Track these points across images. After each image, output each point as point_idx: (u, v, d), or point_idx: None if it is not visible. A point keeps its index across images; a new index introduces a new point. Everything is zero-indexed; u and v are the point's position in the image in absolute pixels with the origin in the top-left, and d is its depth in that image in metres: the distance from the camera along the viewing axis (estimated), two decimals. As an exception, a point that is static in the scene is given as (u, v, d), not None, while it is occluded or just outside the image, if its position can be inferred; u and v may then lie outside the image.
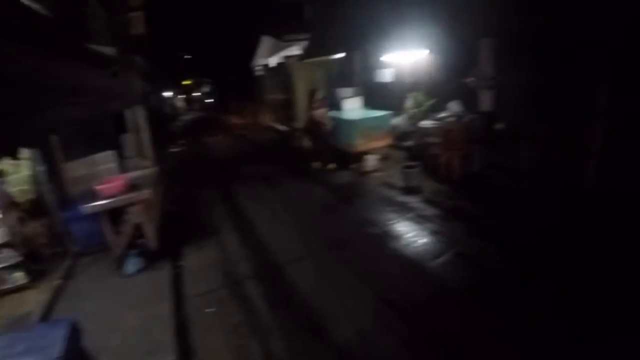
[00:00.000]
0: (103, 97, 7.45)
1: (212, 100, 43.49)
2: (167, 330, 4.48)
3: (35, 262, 6.67)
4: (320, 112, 9.49)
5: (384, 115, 9.05)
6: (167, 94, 33.49)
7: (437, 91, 8.81)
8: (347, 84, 11.37)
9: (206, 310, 4.95)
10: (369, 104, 10.28)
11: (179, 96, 48.44)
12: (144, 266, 6.25)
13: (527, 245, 5.29)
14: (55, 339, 2.73)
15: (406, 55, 8.87)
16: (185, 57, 39.29)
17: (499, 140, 7.29)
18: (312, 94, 9.74)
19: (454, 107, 8.07)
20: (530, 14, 5.62)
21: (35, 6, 6.96)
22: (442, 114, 8.09)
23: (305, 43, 13.71)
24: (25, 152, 7.08)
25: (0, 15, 3.45)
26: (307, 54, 12.52)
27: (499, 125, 7.27)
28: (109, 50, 8.97)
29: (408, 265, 5.04)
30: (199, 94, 51.33)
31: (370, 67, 11.10)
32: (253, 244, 6.58)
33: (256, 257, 6.13)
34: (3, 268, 6.38)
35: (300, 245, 6.16)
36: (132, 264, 6.22)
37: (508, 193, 6.92)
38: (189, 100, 52.12)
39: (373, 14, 8.92)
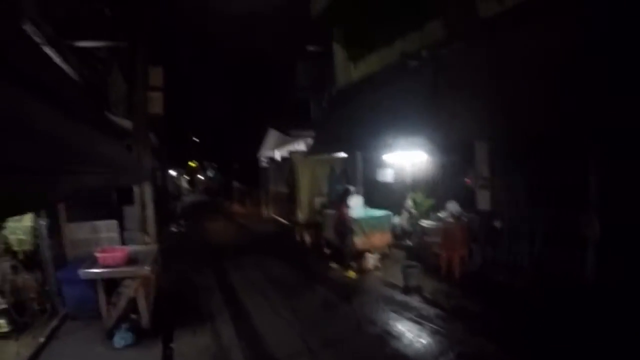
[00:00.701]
0: (117, 169, 7.57)
1: (215, 184, 44.01)
2: None
3: (20, 314, 6.47)
4: (347, 212, 9.50)
5: (384, 214, 9.16)
6: (173, 172, 34.03)
7: (436, 191, 9.03)
8: (349, 182, 11.63)
9: None
10: (370, 202, 10.42)
11: (184, 176, 49.17)
12: (133, 342, 5.99)
13: (528, 344, 5.20)
14: None
15: (406, 156, 9.18)
16: (194, 139, 40.44)
17: (498, 238, 7.41)
18: (344, 194, 9.68)
19: (453, 207, 8.22)
20: (519, 117, 5.91)
21: (66, 68, 7.36)
22: (441, 214, 8.24)
23: (310, 139, 14.18)
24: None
25: (34, 75, 3.63)
26: (312, 150, 12.88)
27: (497, 224, 7.43)
28: (125, 123, 9.27)
29: None
30: (203, 177, 52.13)
31: (371, 167, 11.41)
32: (249, 334, 6.35)
33: (250, 349, 5.88)
34: None
35: (297, 341, 5.95)
36: (121, 338, 5.97)
37: (508, 290, 6.88)
38: (193, 182, 52.82)
39: (374, 116, 9.32)
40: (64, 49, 7.43)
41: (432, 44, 8.24)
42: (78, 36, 8.58)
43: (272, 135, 17.51)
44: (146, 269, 6.26)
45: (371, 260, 8.64)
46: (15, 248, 6.92)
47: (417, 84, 8.23)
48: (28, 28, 6.05)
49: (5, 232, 6.92)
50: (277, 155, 18.17)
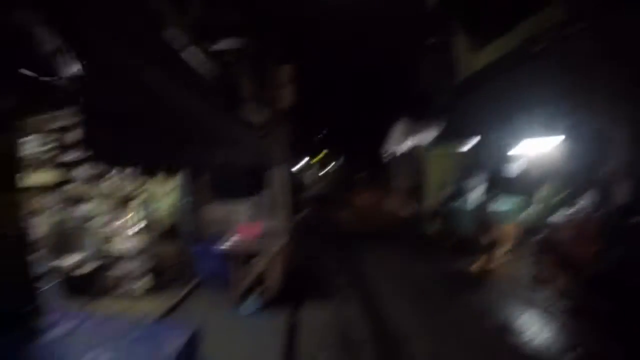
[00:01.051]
0: (255, 153, 8.69)
1: (341, 177, 45.09)
2: None
3: (158, 280, 7.48)
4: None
5: (513, 207, 8.94)
6: (300, 163, 35.63)
7: (569, 184, 8.58)
8: (477, 173, 11.45)
9: None
10: (499, 195, 10.22)
11: (311, 169, 51.10)
12: (261, 311, 6.56)
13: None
14: (169, 339, 2.78)
15: (537, 146, 8.82)
16: (322, 132, 41.77)
17: (636, 236, 6.87)
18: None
19: (587, 200, 7.80)
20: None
21: (203, 70, 8.33)
22: (574, 208, 7.81)
23: (436, 131, 14.18)
24: (175, 183, 8.17)
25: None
26: (437, 141, 12.82)
27: (636, 219, 6.88)
28: (257, 117, 10.23)
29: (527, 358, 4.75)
30: (328, 169, 53.54)
31: (501, 158, 11.08)
32: (371, 313, 6.62)
33: (374, 325, 6.16)
34: (129, 275, 7.36)
35: (419, 323, 6.07)
36: (250, 306, 6.57)
37: (643, 293, 6.33)
38: (319, 174, 54.65)
39: (501, 104, 9.03)
40: (199, 52, 8.19)
41: (556, 26, 7.92)
42: (212, 39, 9.32)
43: (399, 127, 17.64)
44: (278, 245, 6.92)
45: (498, 253, 8.51)
46: (159, 222, 8.00)
47: (543, 70, 7.96)
48: (168, 35, 6.69)
49: (152, 208, 7.98)
50: (403, 147, 18.35)
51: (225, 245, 7.00)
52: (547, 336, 5.26)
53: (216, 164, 7.07)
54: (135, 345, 2.73)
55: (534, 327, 5.58)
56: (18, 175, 3.51)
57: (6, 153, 3.39)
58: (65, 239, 7.00)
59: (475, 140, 11.12)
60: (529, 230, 8.90)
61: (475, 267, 8.57)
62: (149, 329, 3.49)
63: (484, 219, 8.69)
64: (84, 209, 7.93)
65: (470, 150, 12.27)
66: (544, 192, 8.56)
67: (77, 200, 8.41)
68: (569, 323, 5.66)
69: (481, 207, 9.13)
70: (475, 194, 9.94)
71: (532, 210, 8.93)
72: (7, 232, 3.30)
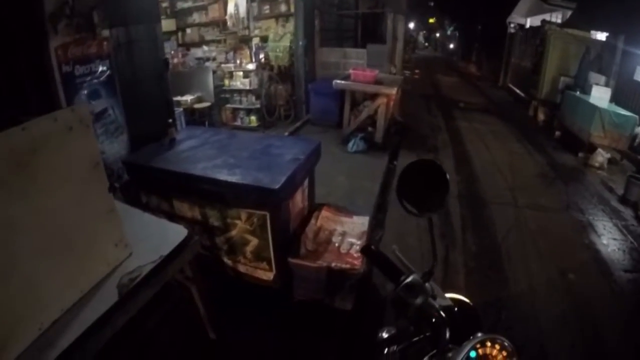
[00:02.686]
0: None
1: (453, 45, 42.75)
2: (368, 200, 4.89)
3: (270, 115, 8.03)
4: None
5: (629, 117, 7.97)
6: (411, 25, 34.07)
7: None
8: (602, 70, 10.32)
9: None
10: (618, 100, 9.22)
11: (421, 32, 48.73)
12: (365, 151, 7.01)
13: None
14: (304, 147, 3.13)
15: None
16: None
17: None
18: None
19: None
20: None
21: None
22: None
23: (568, 12, 12.68)
24: (290, 27, 8.33)
25: None
26: (568, 23, 11.48)
27: None
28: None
29: (597, 261, 4.58)
30: (439, 35, 50.86)
31: (631, 61, 9.73)
32: (465, 173, 6.78)
33: (465, 185, 6.32)
34: (244, 109, 8.04)
35: (506, 194, 6.15)
36: (356, 145, 7.01)
37: None
38: (429, 39, 52.20)
39: None
40: None
41: None
42: None
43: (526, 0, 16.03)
44: (392, 90, 6.98)
45: (600, 157, 7.95)
46: (273, 63, 8.31)
47: None
48: None
49: (267, 49, 8.29)
50: (528, 22, 16.76)
51: (339, 84, 7.25)
52: (620, 249, 5.03)
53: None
54: (270, 148, 3.15)
55: (610, 236, 5.34)
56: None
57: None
58: (185, 78, 7.54)
59: (612, 29, 9.89)
60: (637, 147, 8.15)
61: (577, 160, 8.16)
62: (283, 139, 4.10)
63: (597, 116, 8.02)
64: (202, 50, 8.46)
65: (599, 43, 10.99)
66: None
67: (194, 44, 8.98)
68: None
69: (600, 104, 8.35)
70: (596, 92, 9.09)
71: None
72: (153, 59, 3.75)
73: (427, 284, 1.18)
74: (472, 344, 0.94)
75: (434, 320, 1.08)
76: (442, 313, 1.08)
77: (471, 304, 1.36)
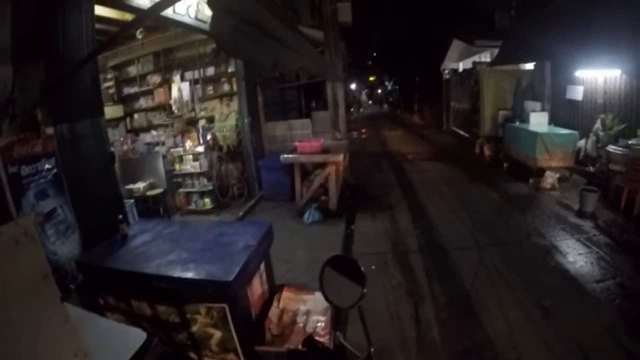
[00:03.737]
0: (319, 64, 8.85)
1: (393, 98, 44.66)
2: None
3: (223, 196, 8.03)
4: None
5: (569, 134, 8.50)
6: (353, 86, 35.55)
7: (629, 116, 8.13)
8: (535, 97, 11.08)
9: (371, 267, 5.28)
10: (556, 120, 9.81)
11: (363, 90, 50.95)
12: (321, 220, 7.05)
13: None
14: (256, 232, 3.10)
15: (599, 73, 8.40)
16: (374, 54, 41.12)
17: None
18: None
19: None
20: None
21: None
22: (632, 141, 7.42)
23: (495, 50, 13.64)
24: (234, 106, 8.52)
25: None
26: (497, 60, 12.32)
27: None
28: (316, 34, 10.25)
29: (568, 280, 4.75)
30: (380, 91, 53.23)
31: (560, 82, 10.50)
32: (423, 225, 6.86)
33: (424, 236, 6.39)
34: (197, 192, 8.01)
35: (467, 237, 6.24)
36: (311, 216, 7.05)
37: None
38: (371, 96, 54.59)
39: (566, 26, 8.51)
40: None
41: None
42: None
43: (456, 46, 16.96)
44: (339, 157, 7.19)
45: (550, 179, 8.33)
46: (221, 143, 8.38)
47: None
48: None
49: (214, 129, 8.39)
50: (461, 66, 17.87)
51: (287, 158, 7.42)
52: (586, 264, 5.19)
53: (300, 63, 7.34)
54: (222, 236, 3.11)
55: (575, 252, 5.52)
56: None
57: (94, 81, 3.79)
58: (135, 165, 7.51)
59: (538, 59, 10.70)
60: (583, 159, 8.67)
61: (529, 187, 8.52)
62: (231, 225, 4.06)
63: (539, 141, 8.50)
64: (151, 135, 8.49)
65: (528, 73, 11.85)
66: (603, 121, 8.18)
67: (143, 129, 9.02)
68: (610, 255, 5.38)
69: (539, 130, 8.88)
70: (534, 118, 9.70)
71: (588, 140, 8.62)
72: (99, 153, 3.73)
73: None
74: None
75: None
76: None
77: None
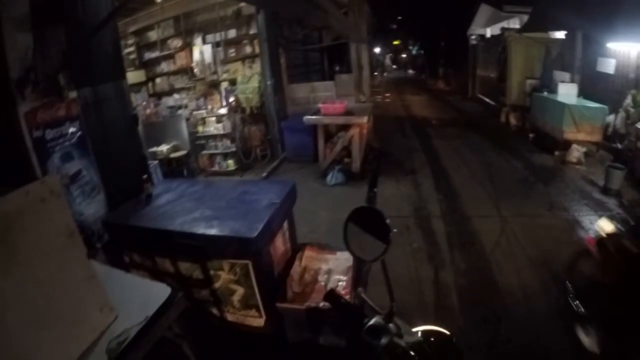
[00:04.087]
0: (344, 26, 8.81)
1: (418, 63, 43.75)
2: None
3: (246, 158, 8.13)
4: None
5: (599, 108, 8.16)
6: (377, 50, 34.92)
7: None
8: (565, 67, 10.66)
9: (393, 230, 5.48)
10: (585, 93, 9.44)
11: (387, 54, 49.93)
12: (344, 182, 7.09)
13: None
14: (279, 190, 3.10)
15: (632, 47, 7.82)
16: (398, 17, 40.11)
17: None
18: None
19: None
20: None
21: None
22: None
23: (525, 17, 13.11)
24: (257, 68, 8.47)
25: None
26: (526, 27, 11.82)
27: None
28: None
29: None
30: (404, 55, 52.12)
31: (591, 53, 10.03)
32: (445, 191, 6.85)
33: (446, 202, 6.38)
34: (220, 154, 8.14)
35: (489, 205, 6.21)
36: (334, 177, 7.10)
37: None
38: (395, 60, 53.49)
39: None
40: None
41: None
42: None
43: (484, 11, 16.41)
44: (363, 119, 7.12)
45: (576, 152, 8.11)
46: (244, 105, 8.41)
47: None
48: None
49: (237, 92, 8.39)
50: (489, 32, 17.30)
51: (310, 120, 7.39)
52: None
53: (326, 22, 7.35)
54: (246, 195, 3.13)
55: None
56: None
57: (115, 45, 3.79)
58: (158, 128, 7.58)
59: (569, 28, 10.24)
60: (611, 135, 8.34)
61: (554, 159, 8.29)
62: (255, 184, 4.12)
63: (567, 113, 8.21)
64: (173, 99, 8.53)
65: (558, 42, 11.37)
66: (634, 97, 7.82)
67: (165, 93, 9.07)
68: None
69: (568, 101, 8.55)
70: (562, 89, 9.36)
71: (618, 116, 8.28)
72: (122, 115, 3.77)
73: (390, 325, 1.20)
74: None
75: (401, 358, 1.09)
76: (410, 351, 1.10)
77: (448, 333, 1.38)
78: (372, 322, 1.20)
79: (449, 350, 1.33)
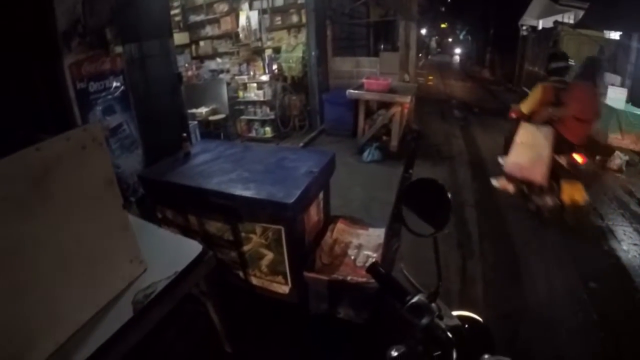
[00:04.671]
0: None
1: (464, 48, 42.66)
2: (384, 211, 4.87)
3: (284, 126, 8.12)
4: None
5: None
6: (423, 31, 34.16)
7: None
8: (617, 70, 10.09)
9: None
10: (635, 100, 8.94)
11: (434, 37, 48.79)
12: (380, 160, 6.95)
13: None
14: (319, 160, 3.08)
15: None
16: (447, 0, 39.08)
17: None
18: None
19: None
20: None
21: None
22: None
23: (581, 12, 12.48)
24: (302, 38, 8.39)
25: None
26: (581, 23, 11.24)
27: None
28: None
29: (618, 267, 4.46)
30: (451, 40, 50.88)
31: None
32: (481, 180, 6.61)
33: (481, 192, 6.25)
34: (258, 121, 8.14)
35: (523, 200, 5.76)
36: (371, 154, 6.97)
37: None
38: (441, 44, 52.27)
39: None
40: None
41: None
42: None
43: (538, 1, 15.82)
44: (406, 99, 6.96)
45: (618, 160, 7.69)
46: (286, 73, 8.37)
47: None
48: None
49: (280, 60, 8.35)
50: (541, 24, 16.62)
51: (353, 94, 7.27)
52: (636, 254, 4.82)
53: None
54: (285, 161, 3.13)
55: (630, 240, 5.12)
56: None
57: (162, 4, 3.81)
58: (199, 91, 7.63)
59: (626, 28, 9.71)
60: None
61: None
62: (295, 151, 4.10)
63: (613, 117, 7.80)
64: (216, 63, 8.55)
65: (613, 43, 10.79)
66: None
67: (208, 56, 9.09)
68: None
69: (616, 105, 8.12)
70: (611, 92, 8.89)
71: None
72: (167, 73, 3.79)
73: (433, 304, 1.15)
74: None
75: (440, 340, 1.05)
76: (449, 334, 1.06)
77: (482, 321, 1.33)
78: (415, 299, 1.16)
79: (484, 339, 1.28)
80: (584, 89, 5.18)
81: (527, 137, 5.21)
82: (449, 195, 1.24)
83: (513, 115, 5.57)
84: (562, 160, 5.02)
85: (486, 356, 0.95)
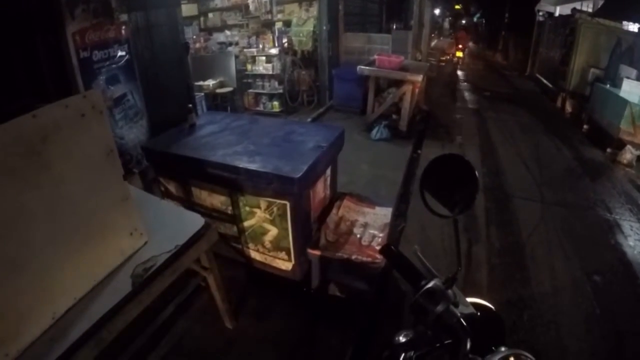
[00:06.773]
0: None
1: (478, 31, 41.90)
2: (391, 190, 4.86)
3: (292, 101, 8.01)
4: None
5: None
6: (437, 11, 33.60)
7: None
8: (634, 63, 9.80)
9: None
10: None
11: (447, 18, 48.02)
12: (389, 139, 6.87)
13: None
14: (328, 135, 3.03)
15: None
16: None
17: None
18: None
19: None
20: None
21: None
22: None
23: (601, 0, 12.14)
24: (314, 12, 8.17)
25: None
26: (600, 12, 10.91)
27: None
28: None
29: (623, 263, 4.37)
30: (464, 22, 50.03)
31: None
32: (490, 165, 6.63)
33: (490, 177, 6.17)
34: (266, 94, 8.00)
35: (532, 188, 5.96)
36: (379, 132, 6.88)
37: None
38: (454, 25, 51.48)
39: None
40: None
41: None
42: None
43: None
44: (418, 77, 6.82)
45: (629, 154, 7.54)
46: (296, 48, 8.24)
47: None
48: None
49: (291, 33, 8.20)
50: (558, 11, 16.22)
51: (364, 70, 7.13)
52: None
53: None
54: (292, 134, 3.08)
55: (635, 235, 5.09)
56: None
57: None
58: (206, 63, 7.54)
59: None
60: None
61: (604, 156, 7.79)
62: (305, 126, 4.05)
63: (627, 110, 7.62)
64: (224, 35, 8.43)
65: (632, 35, 10.50)
66: None
67: (216, 28, 8.96)
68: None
69: (631, 98, 7.91)
70: (626, 85, 8.67)
71: None
72: (173, 43, 3.71)
73: (449, 291, 1.09)
74: (495, 359, 0.87)
75: (455, 329, 1.00)
76: (464, 322, 1.00)
77: (494, 309, 1.27)
78: (430, 284, 1.09)
79: (496, 327, 1.22)
80: None
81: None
82: (476, 173, 1.17)
83: None
84: None
85: (503, 348, 0.90)
